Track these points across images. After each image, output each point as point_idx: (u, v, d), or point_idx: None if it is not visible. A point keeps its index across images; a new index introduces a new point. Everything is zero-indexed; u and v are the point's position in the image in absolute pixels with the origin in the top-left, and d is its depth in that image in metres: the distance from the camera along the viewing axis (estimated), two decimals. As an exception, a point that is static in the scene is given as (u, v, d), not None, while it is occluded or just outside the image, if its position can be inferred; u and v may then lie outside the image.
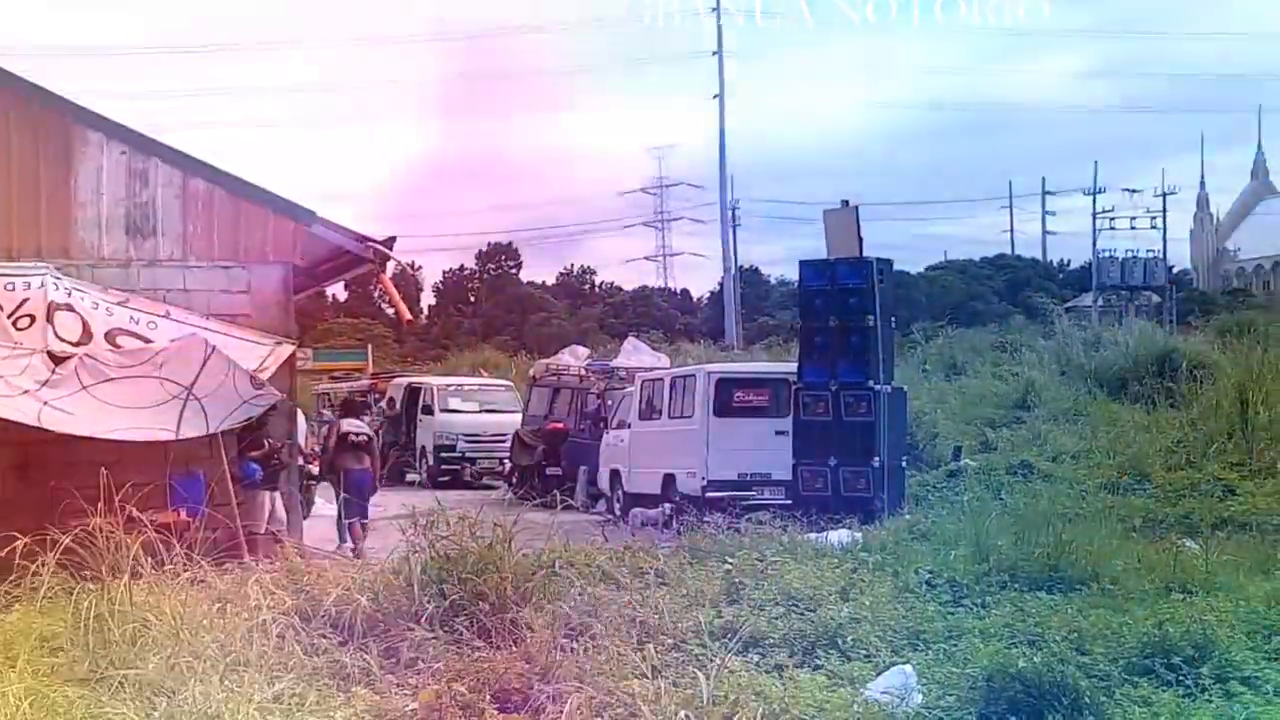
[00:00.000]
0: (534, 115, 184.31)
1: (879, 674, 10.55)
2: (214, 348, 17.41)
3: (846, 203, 24.86)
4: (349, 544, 21.66)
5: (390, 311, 25.55)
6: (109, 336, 17.68)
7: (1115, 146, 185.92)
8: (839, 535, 18.45)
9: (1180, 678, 10.39)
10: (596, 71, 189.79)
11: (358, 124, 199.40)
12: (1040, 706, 9.18)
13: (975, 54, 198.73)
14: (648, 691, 9.61)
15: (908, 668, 10.41)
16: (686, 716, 7.91)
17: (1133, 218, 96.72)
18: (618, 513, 27.65)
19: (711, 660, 10.92)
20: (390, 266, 21.63)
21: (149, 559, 11.26)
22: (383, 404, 44.65)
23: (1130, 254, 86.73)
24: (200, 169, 19.97)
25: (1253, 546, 17.04)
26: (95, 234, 19.27)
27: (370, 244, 20.66)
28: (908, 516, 20.78)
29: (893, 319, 23.63)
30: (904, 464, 23.63)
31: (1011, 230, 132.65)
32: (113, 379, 16.88)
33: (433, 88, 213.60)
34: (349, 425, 23.85)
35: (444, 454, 39.27)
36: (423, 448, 40.41)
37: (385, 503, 24.02)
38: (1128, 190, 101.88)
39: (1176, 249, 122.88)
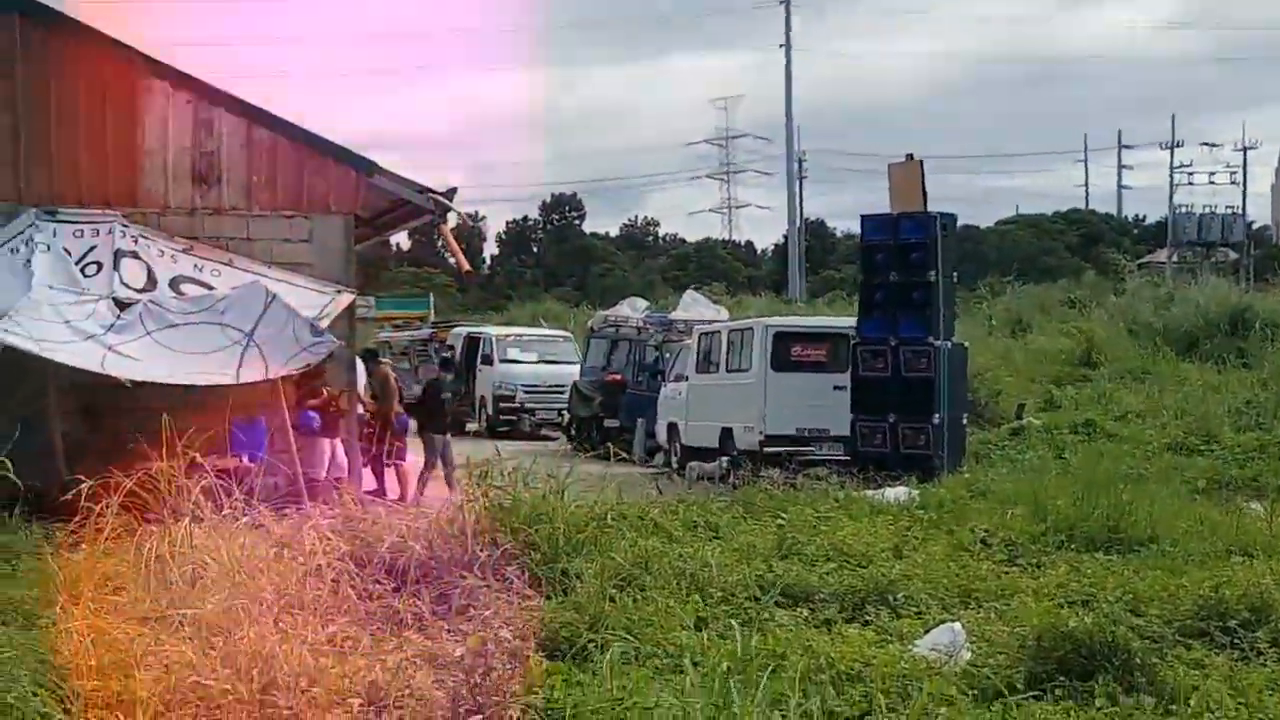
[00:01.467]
0: (600, 66, 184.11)
1: (928, 630, 10.54)
2: (274, 295, 17.57)
3: (911, 156, 24.71)
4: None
5: (452, 261, 25.76)
6: (173, 283, 17.93)
7: (1195, 99, 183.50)
8: (896, 492, 18.44)
9: (1235, 641, 10.31)
10: (662, 22, 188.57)
11: (423, 74, 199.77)
12: (1090, 666, 9.13)
13: (1051, 2, 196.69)
14: (694, 643, 9.67)
15: (957, 625, 10.39)
16: (730, 669, 7.92)
17: (1211, 172, 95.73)
18: (675, 466, 27.66)
19: (760, 614, 10.99)
20: (451, 217, 21.72)
21: (209, 503, 11.38)
22: (442, 353, 44.78)
23: (1208, 209, 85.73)
24: (265, 118, 20.12)
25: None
26: (161, 183, 19.47)
27: (431, 195, 20.75)
28: (967, 474, 20.67)
29: (955, 274, 23.48)
30: (964, 421, 23.55)
31: (1086, 184, 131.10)
32: (176, 325, 17.11)
33: (499, 37, 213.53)
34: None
35: (503, 404, 39.30)
36: (482, 398, 40.45)
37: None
38: (1207, 144, 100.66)
39: (1257, 205, 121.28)
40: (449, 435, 23.31)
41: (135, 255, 18.07)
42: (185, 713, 7.53)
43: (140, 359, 16.61)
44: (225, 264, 18.79)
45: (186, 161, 19.61)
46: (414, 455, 23.06)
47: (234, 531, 11.02)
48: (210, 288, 18.07)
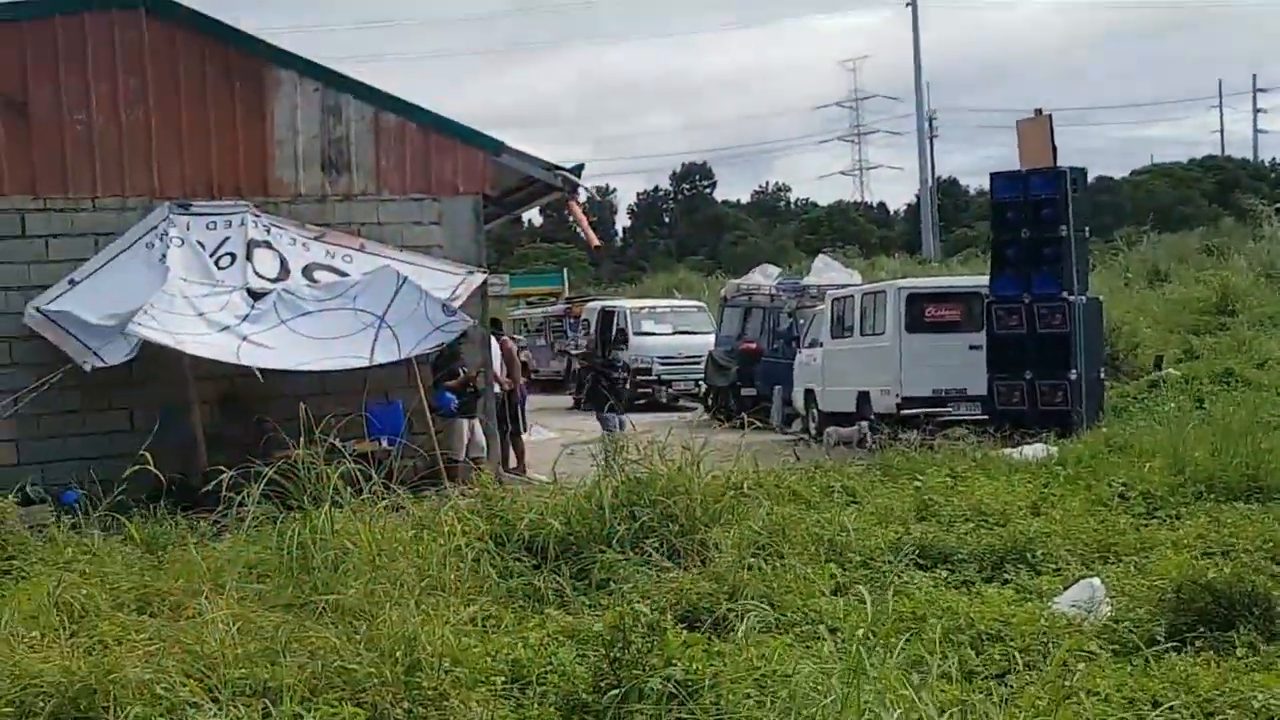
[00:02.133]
0: (725, 31, 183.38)
1: (1067, 587, 10.50)
2: (406, 278, 17.80)
3: (1039, 111, 24.44)
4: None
5: (582, 236, 25.91)
6: (306, 271, 18.22)
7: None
8: (1034, 449, 18.31)
9: (1378, 584, 10.19)
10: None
11: (548, 48, 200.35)
12: (1230, 616, 9.07)
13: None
14: (834, 608, 9.71)
15: (1096, 580, 10.34)
16: (869, 633, 7.96)
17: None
18: (813, 432, 27.63)
19: (899, 577, 11.00)
20: (580, 193, 21.84)
21: (349, 488, 11.58)
22: (579, 328, 45.05)
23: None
24: (390, 103, 20.36)
25: None
26: (292, 171, 19.76)
27: (559, 171, 20.89)
28: (1105, 429, 20.46)
29: (1087, 228, 23.24)
30: (1102, 375, 23.33)
31: (1222, 130, 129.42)
32: (309, 312, 17.40)
33: (621, 7, 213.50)
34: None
35: (639, 376, 39.43)
36: (619, 371, 40.53)
37: (582, 427, 24.35)
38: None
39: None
40: (621, 414, 23.41)
41: (268, 245, 18.39)
42: (331, 697, 7.68)
43: (275, 347, 16.92)
44: (356, 249, 19.06)
45: (316, 149, 19.91)
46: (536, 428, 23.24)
47: (373, 515, 11.21)
48: (343, 274, 18.35)
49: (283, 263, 18.19)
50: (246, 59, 19.76)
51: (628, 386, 25.32)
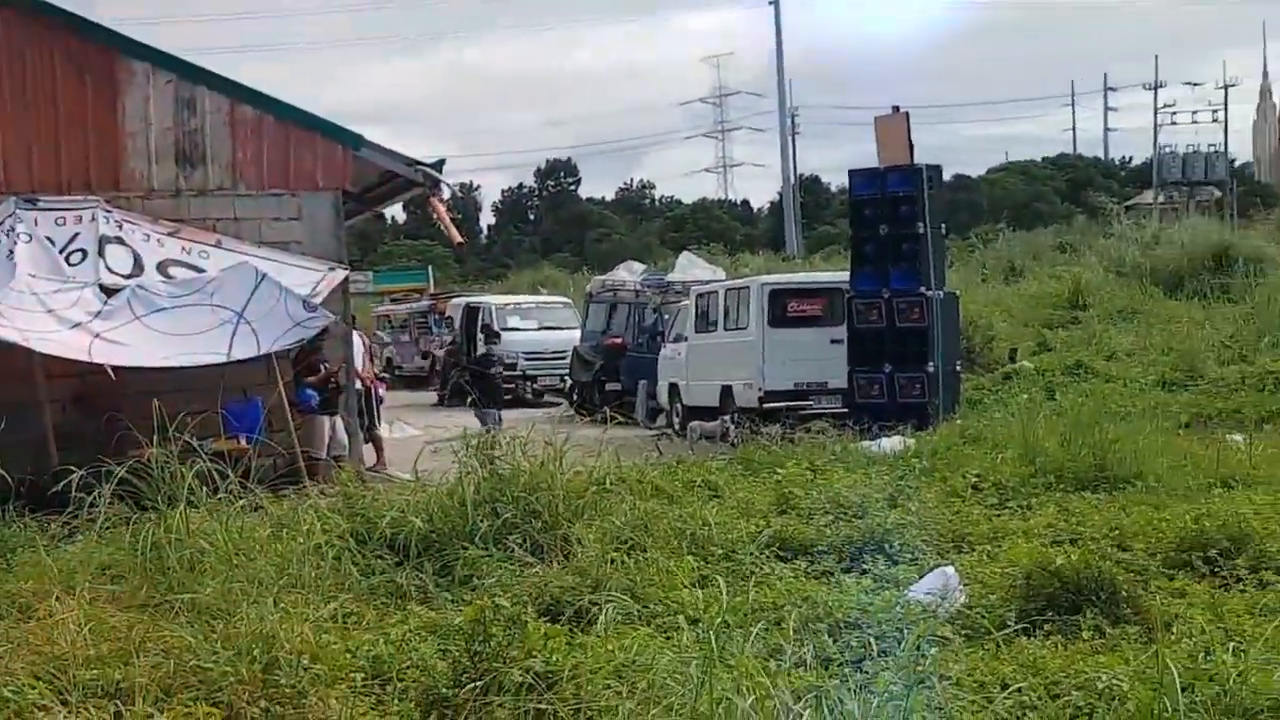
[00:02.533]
0: (589, 28, 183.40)
1: (922, 576, 10.67)
2: (264, 275, 17.61)
3: (897, 109, 24.78)
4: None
5: (446, 233, 25.79)
6: (161, 267, 17.91)
7: (1176, 39, 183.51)
8: (891, 442, 18.58)
9: (1215, 570, 10.51)
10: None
11: (412, 42, 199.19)
12: (1078, 601, 9.31)
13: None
14: (695, 600, 9.80)
15: (950, 569, 10.52)
16: (727, 623, 8.05)
17: (1194, 112, 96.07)
18: (677, 427, 27.77)
19: (759, 569, 11.13)
20: (443, 189, 21.73)
21: (205, 487, 11.47)
22: (443, 324, 44.89)
23: (1191, 149, 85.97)
24: (248, 95, 20.06)
25: (1299, 439, 17.06)
26: (145, 165, 19.40)
27: (420, 167, 20.75)
28: (961, 421, 20.82)
29: (943, 225, 23.68)
30: (958, 368, 23.75)
31: (1074, 129, 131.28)
32: (165, 309, 17.12)
33: (487, 2, 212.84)
34: None
35: (506, 372, 39.32)
36: (483, 367, 40.44)
37: (445, 424, 24.24)
38: (1189, 84, 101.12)
39: (1240, 142, 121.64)
40: (500, 410, 23.35)
41: (120, 240, 18.02)
42: (185, 697, 7.62)
43: (129, 344, 16.60)
44: (213, 245, 18.76)
45: (170, 143, 19.50)
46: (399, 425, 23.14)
47: (230, 514, 11.12)
48: (199, 270, 18.05)
49: (136, 259, 17.85)
50: (97, 50, 19.34)
51: (503, 382, 25.24)
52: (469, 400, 24.75)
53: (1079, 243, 48.47)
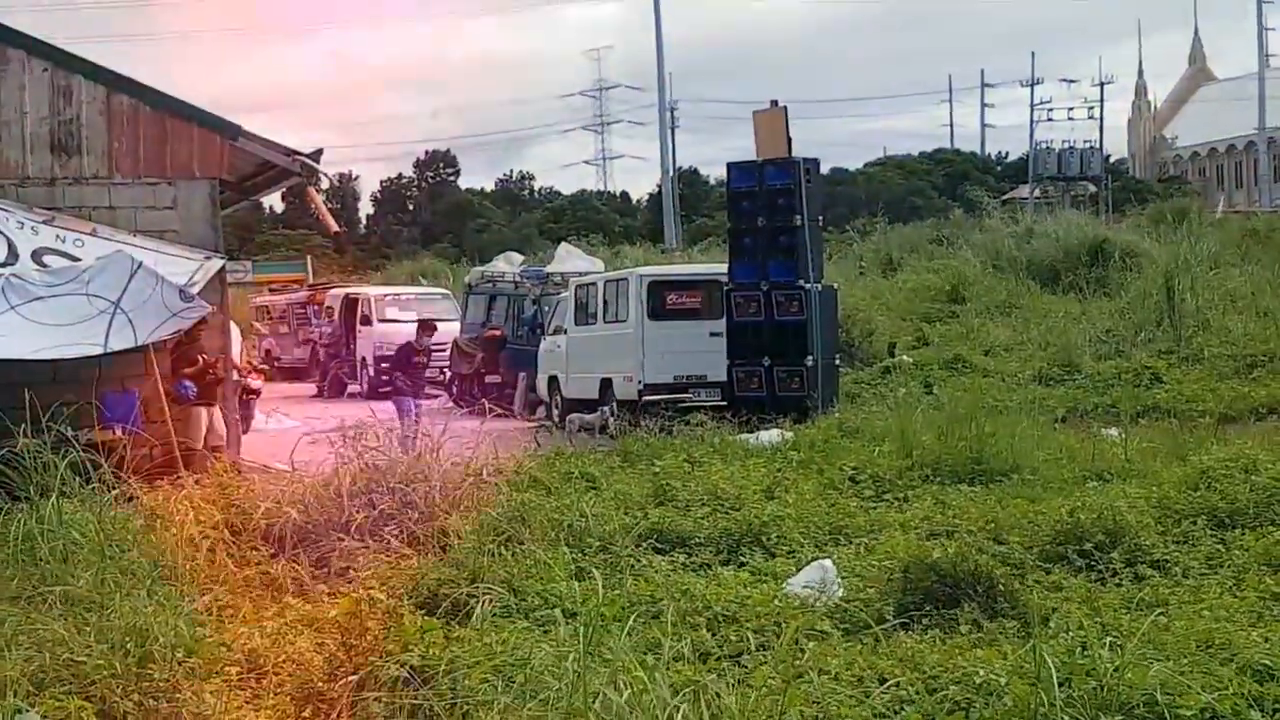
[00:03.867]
0: (470, 18, 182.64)
1: (800, 569, 10.74)
2: (140, 263, 17.35)
3: (775, 103, 24.91)
4: None
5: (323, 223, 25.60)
6: (35, 256, 17.60)
7: (1053, 36, 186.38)
8: (770, 435, 18.69)
9: (1092, 563, 10.63)
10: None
11: (295, 31, 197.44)
12: (955, 595, 9.39)
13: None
14: (572, 593, 9.79)
15: (828, 562, 10.60)
16: (604, 616, 8.05)
17: (1070, 108, 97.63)
18: (556, 419, 27.76)
19: (637, 561, 11.14)
20: (320, 179, 21.56)
21: (78, 478, 11.31)
22: (322, 315, 44.56)
23: (1067, 145, 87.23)
24: (124, 84, 19.77)
25: (1172, 433, 17.34)
26: (19, 152, 19.08)
27: (297, 157, 20.56)
28: (839, 414, 20.97)
29: (820, 218, 23.80)
30: (837, 362, 23.89)
31: (951, 124, 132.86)
32: (40, 298, 16.81)
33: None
34: None
35: (384, 364, 39.09)
36: (363, 359, 40.28)
37: (323, 415, 24.07)
38: (1065, 80, 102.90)
39: (1115, 138, 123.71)
40: (416, 400, 23.11)
41: (-6, 228, 17.75)
42: (58, 691, 7.50)
43: (3, 334, 16.32)
44: (88, 234, 18.48)
45: (45, 131, 19.21)
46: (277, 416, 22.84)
47: (104, 505, 10.97)
48: (75, 259, 17.78)
49: (10, 246, 17.53)
50: (-30, 37, 19.04)
51: (425, 374, 25.07)
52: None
53: (955, 236, 48.90)
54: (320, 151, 20.78)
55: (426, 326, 25.50)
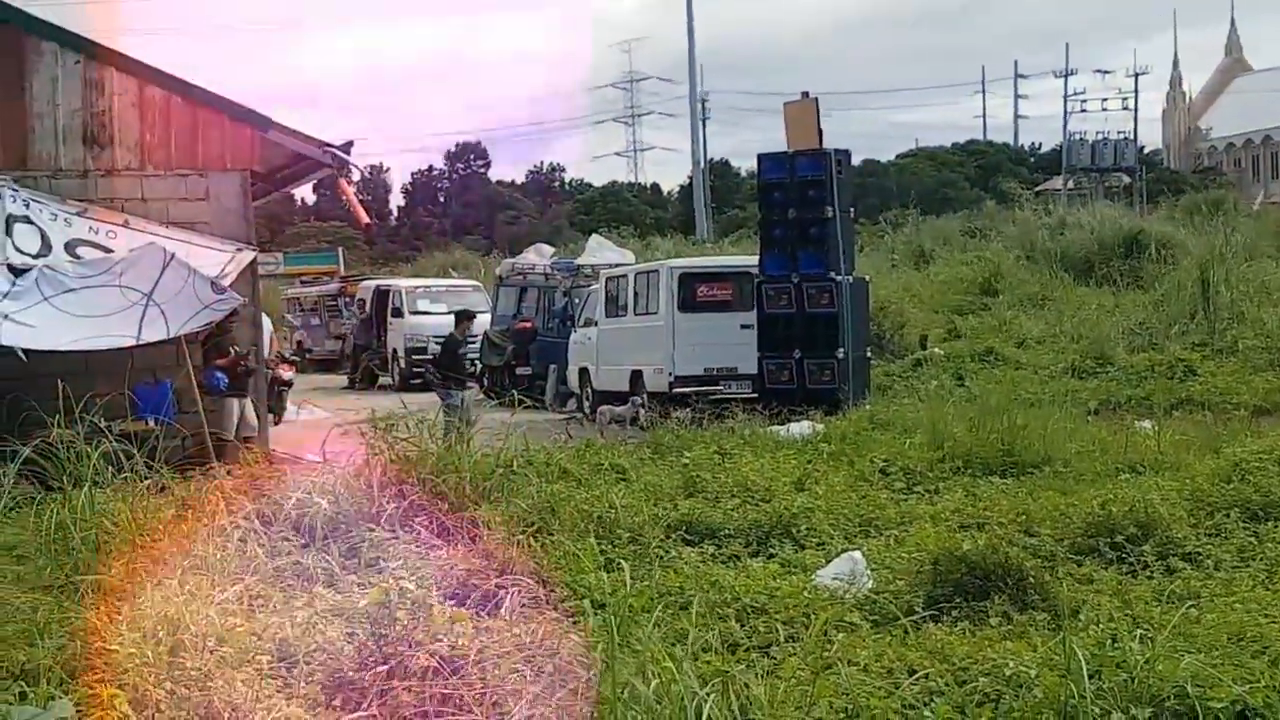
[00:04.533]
0: (501, 12, 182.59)
1: (829, 561, 10.73)
2: (173, 255, 17.44)
3: (807, 94, 24.88)
4: None
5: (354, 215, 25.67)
6: (68, 247, 17.72)
7: (1088, 27, 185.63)
8: (800, 427, 18.66)
9: (1123, 556, 10.62)
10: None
11: (325, 25, 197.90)
12: (985, 587, 9.36)
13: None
14: (601, 584, 9.79)
15: (857, 554, 10.59)
16: (634, 608, 8.06)
17: (1104, 99, 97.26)
18: (587, 411, 27.77)
19: (666, 553, 11.15)
20: (351, 171, 21.63)
21: (111, 468, 11.35)
22: (353, 307, 44.68)
23: (1101, 136, 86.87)
24: (156, 76, 19.90)
25: (1205, 425, 17.27)
26: (52, 145, 19.25)
27: (328, 149, 20.63)
28: (870, 406, 20.94)
29: (852, 209, 23.75)
30: (868, 354, 23.86)
31: (984, 115, 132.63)
32: (73, 289, 16.92)
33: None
34: None
35: (415, 356, 39.20)
36: (394, 350, 40.38)
37: (356, 407, 24.11)
38: (1099, 72, 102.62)
39: (1149, 130, 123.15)
40: (465, 392, 23.02)
41: (28, 220, 17.82)
42: (91, 679, 7.53)
43: (37, 325, 16.40)
44: (121, 225, 18.60)
45: (77, 123, 19.38)
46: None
47: (136, 495, 11.01)
48: (107, 250, 17.89)
49: (44, 238, 17.65)
50: (4, 30, 19.13)
51: (469, 363, 25.06)
52: (429, 382, 24.53)
53: (988, 228, 48.74)
54: (351, 143, 20.88)
55: (464, 316, 25.48)
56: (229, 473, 13.70)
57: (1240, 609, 8.78)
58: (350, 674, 7.76)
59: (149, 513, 10.84)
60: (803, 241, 22.97)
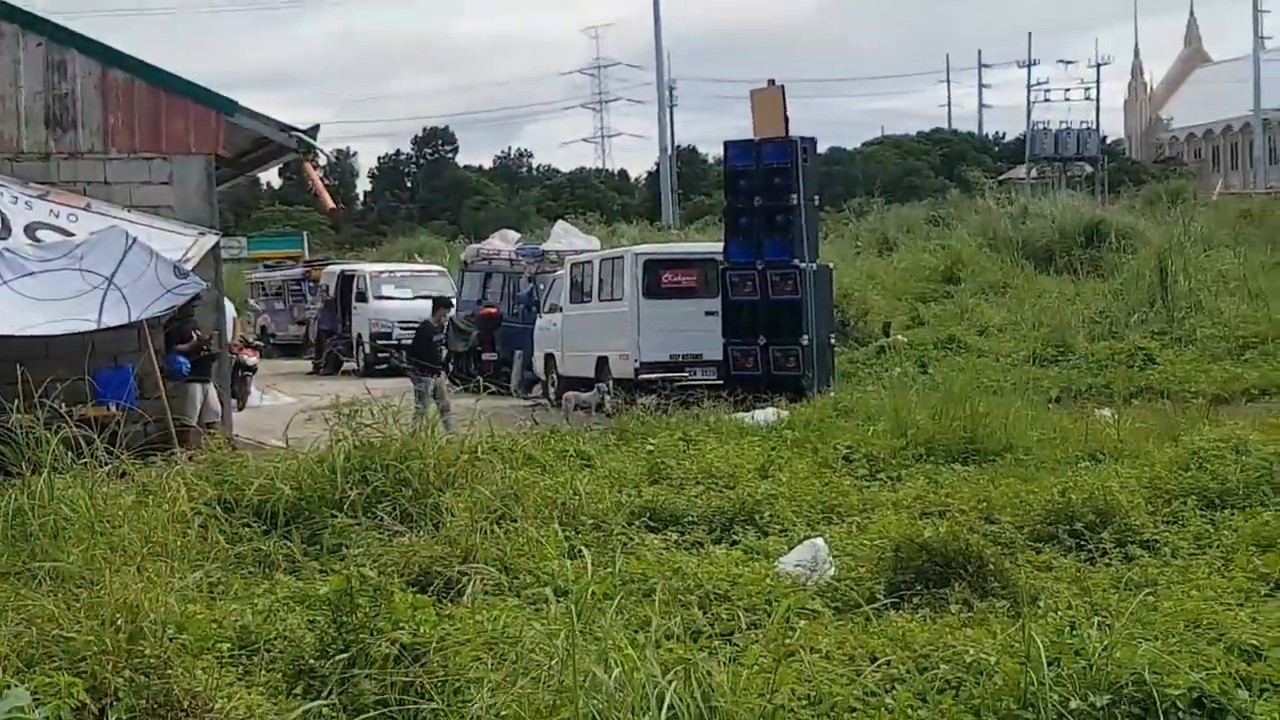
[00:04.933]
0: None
1: (792, 548, 10.75)
2: (134, 239, 17.36)
3: (773, 82, 24.91)
4: None
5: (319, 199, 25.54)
6: (29, 230, 17.61)
7: (1050, 17, 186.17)
8: (765, 414, 18.68)
9: (1082, 543, 10.67)
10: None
11: (291, 8, 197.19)
12: (946, 574, 9.40)
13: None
14: (564, 571, 9.78)
15: (819, 540, 10.60)
16: (596, 594, 8.05)
17: (1067, 89, 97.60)
18: (553, 397, 27.77)
19: (630, 539, 11.15)
20: (318, 155, 21.55)
21: (70, 454, 11.30)
22: (318, 292, 44.56)
23: (1064, 126, 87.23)
24: (120, 59, 19.79)
25: (1165, 413, 17.37)
26: (14, 127, 19.13)
27: (293, 133, 20.55)
28: (834, 393, 21.00)
29: (816, 197, 23.81)
30: (832, 341, 23.91)
31: (949, 104, 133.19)
32: (33, 273, 16.83)
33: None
34: None
35: (379, 341, 39.16)
36: (358, 336, 40.30)
37: (320, 392, 24.02)
38: (1062, 62, 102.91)
39: (1111, 119, 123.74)
40: (437, 379, 22.90)
41: (-13, 202, 17.73)
42: (48, 667, 7.48)
43: (-1, 309, 16.33)
44: (83, 209, 18.50)
45: (39, 105, 19.26)
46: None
47: (95, 480, 10.96)
48: (69, 234, 17.79)
49: (4, 221, 17.52)
50: (-38, 11, 19.02)
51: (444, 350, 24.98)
52: (405, 367, 24.42)
53: (952, 217, 48.87)
54: (317, 127, 20.82)
55: (441, 304, 25.46)
56: (190, 458, 13.69)
57: (1197, 596, 8.85)
58: (311, 661, 7.75)
59: (108, 499, 10.80)
60: (768, 229, 23.01)
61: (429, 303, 38.36)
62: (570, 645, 6.60)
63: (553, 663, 6.78)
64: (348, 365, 40.77)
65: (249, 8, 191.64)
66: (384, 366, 37.95)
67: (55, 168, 19.22)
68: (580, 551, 10.31)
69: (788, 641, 7.63)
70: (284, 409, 22.40)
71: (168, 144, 19.77)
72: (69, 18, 20.06)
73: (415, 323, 38.37)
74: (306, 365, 43.02)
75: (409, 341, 26.79)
